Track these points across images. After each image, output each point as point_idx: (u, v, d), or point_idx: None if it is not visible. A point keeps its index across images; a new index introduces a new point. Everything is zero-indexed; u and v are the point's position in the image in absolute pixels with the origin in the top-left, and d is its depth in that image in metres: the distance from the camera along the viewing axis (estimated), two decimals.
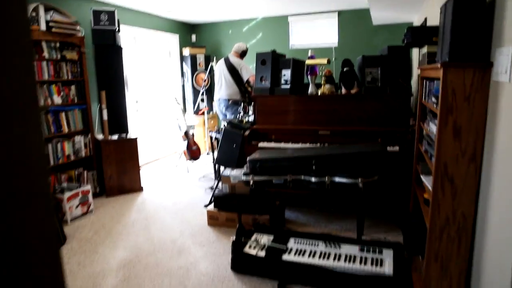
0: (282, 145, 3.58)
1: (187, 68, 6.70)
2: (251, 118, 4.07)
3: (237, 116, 5.00)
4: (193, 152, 5.67)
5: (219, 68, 5.31)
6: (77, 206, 3.76)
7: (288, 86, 3.74)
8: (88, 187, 3.92)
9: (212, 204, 3.64)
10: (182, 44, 6.86)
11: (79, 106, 4.27)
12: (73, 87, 4.19)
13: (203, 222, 3.66)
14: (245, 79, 5.13)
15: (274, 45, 6.63)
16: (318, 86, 3.78)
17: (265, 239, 2.91)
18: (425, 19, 4.26)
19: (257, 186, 3.05)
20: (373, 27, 6.11)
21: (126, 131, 4.58)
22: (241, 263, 2.79)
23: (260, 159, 3.01)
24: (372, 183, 2.53)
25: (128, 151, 4.56)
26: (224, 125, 4.58)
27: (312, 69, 3.77)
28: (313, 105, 3.66)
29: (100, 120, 4.44)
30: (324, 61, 3.57)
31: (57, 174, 4.03)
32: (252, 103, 4.50)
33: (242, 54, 5.32)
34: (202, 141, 6.68)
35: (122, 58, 4.44)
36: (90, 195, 3.93)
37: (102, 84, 4.38)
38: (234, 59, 5.20)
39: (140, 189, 4.73)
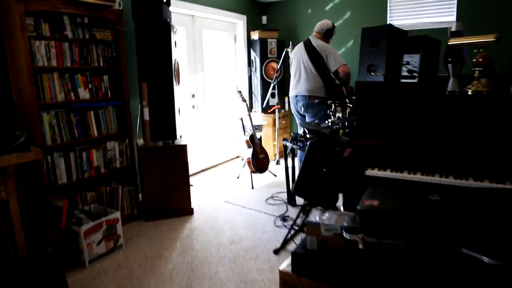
0: (406, 176, 2.18)
1: (256, 56, 5.47)
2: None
3: (323, 121, 3.66)
4: (259, 162, 4.45)
5: (297, 55, 3.98)
6: (99, 242, 2.72)
7: (414, 80, 2.32)
8: (116, 214, 2.86)
9: (288, 263, 2.36)
10: (251, 27, 5.64)
11: (114, 103, 3.23)
12: (105, 78, 3.16)
13: (273, 286, 2.41)
14: (332, 69, 3.75)
15: (367, 26, 5.12)
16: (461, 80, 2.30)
17: None
18: None
19: (370, 250, 1.75)
20: None
21: (174, 136, 3.48)
22: None
23: (383, 211, 1.68)
24: None
25: (175, 162, 3.46)
26: (305, 134, 3.27)
27: (458, 53, 2.29)
28: (458, 112, 2.19)
29: (141, 121, 3.39)
30: (489, 38, 2.08)
31: (80, 193, 3.04)
32: (349, 104, 3.13)
33: (327, 35, 3.94)
34: (271, 145, 5.44)
35: (171, 41, 3.32)
36: (119, 225, 2.88)
37: (145, 74, 3.31)
38: (317, 42, 3.84)
39: (189, 211, 3.61)
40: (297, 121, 4.24)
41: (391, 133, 2.36)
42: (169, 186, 3.48)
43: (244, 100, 4.49)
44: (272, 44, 5.42)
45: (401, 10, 4.99)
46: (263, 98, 5.45)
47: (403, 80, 2.39)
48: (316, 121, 3.47)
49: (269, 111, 5.33)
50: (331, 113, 3.01)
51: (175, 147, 3.45)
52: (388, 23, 5.01)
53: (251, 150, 4.39)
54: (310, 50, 3.79)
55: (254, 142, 4.41)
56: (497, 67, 2.28)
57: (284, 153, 3.62)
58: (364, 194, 1.91)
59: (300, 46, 3.96)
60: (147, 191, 3.43)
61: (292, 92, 4.03)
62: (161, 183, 3.45)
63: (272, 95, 5.28)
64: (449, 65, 2.28)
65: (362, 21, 5.15)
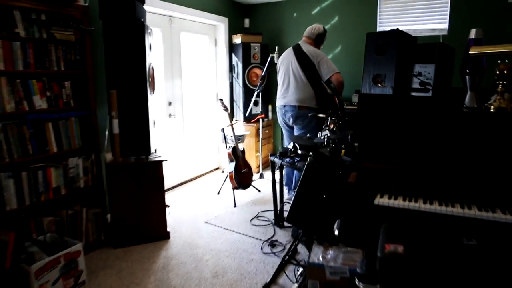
0: (422, 206, 1.87)
1: (238, 61, 5.11)
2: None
3: (313, 134, 3.35)
4: (243, 177, 4.07)
5: (286, 61, 3.66)
6: (56, 281, 2.27)
7: (428, 93, 2.03)
8: (77, 247, 2.42)
9: None
10: (232, 30, 5.28)
11: (77, 113, 2.79)
12: (67, 84, 2.72)
13: None
14: (325, 78, 3.44)
15: (355, 32, 4.88)
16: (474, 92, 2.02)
17: None
18: None
19: None
20: (509, 5, 4.17)
21: (148, 150, 3.06)
22: None
23: (412, 261, 1.36)
24: None
25: (149, 180, 3.05)
26: (295, 149, 2.94)
27: (478, 64, 2.02)
28: (479, 131, 1.91)
29: (110, 134, 2.96)
30: None
31: (35, 219, 2.57)
32: (340, 116, 2.82)
33: (318, 40, 3.64)
34: (253, 156, 5.08)
35: (145, 43, 2.91)
36: (81, 259, 2.43)
37: (114, 80, 2.88)
38: (308, 48, 3.53)
39: (165, 236, 3.20)
40: (284, 133, 3.91)
41: (401, 155, 2.05)
42: (142, 207, 3.06)
43: (226, 109, 4.12)
44: (256, 48, 5.08)
45: (392, 16, 4.77)
46: (245, 107, 5.09)
47: (414, 94, 2.09)
48: (308, 135, 3.14)
49: (252, 121, 4.98)
50: (327, 128, 2.68)
51: (149, 163, 3.04)
52: (376, 30, 4.77)
53: (233, 164, 4.02)
54: (301, 56, 3.47)
55: (237, 155, 4.04)
56: None
57: (272, 170, 3.27)
58: (381, 233, 1.58)
59: (289, 52, 3.63)
60: (117, 213, 2.99)
61: (279, 102, 3.70)
62: (132, 204, 3.02)
63: (255, 103, 4.93)
64: (467, 77, 2.00)
65: (351, 26, 4.89)
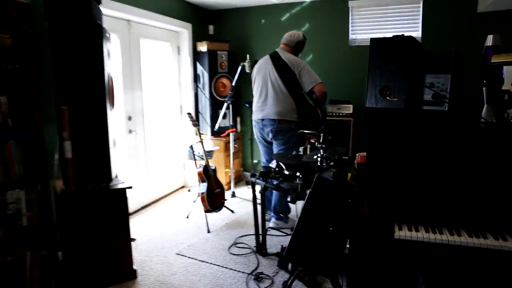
0: (449, 238, 1.60)
1: (203, 70, 4.72)
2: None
3: (294, 149, 3.05)
4: (216, 199, 3.67)
5: (263, 70, 3.35)
6: None
7: (443, 107, 1.79)
8: None
9: None
10: (197, 37, 4.89)
11: (17, 134, 2.27)
12: (3, 100, 2.19)
13: None
14: (307, 88, 3.16)
15: (326, 40, 4.69)
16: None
17: None
18: None
19: None
20: (477, 15, 4.18)
21: (108, 177, 2.58)
22: None
23: None
24: None
25: (111, 211, 2.56)
26: (280, 169, 2.62)
27: (496, 74, 1.81)
28: (503, 148, 1.69)
29: (61, 158, 2.45)
30: None
31: None
32: (324, 130, 2.53)
33: (297, 48, 3.37)
34: (223, 173, 4.69)
35: (103, 49, 2.45)
36: None
37: (65, 94, 2.39)
38: (287, 56, 3.24)
39: (131, 275, 2.71)
40: (261, 148, 3.57)
41: (417, 178, 1.77)
42: (102, 244, 2.56)
43: (196, 124, 3.71)
44: (223, 57, 4.72)
45: (364, 22, 4.63)
46: (213, 119, 4.70)
47: (426, 107, 1.84)
48: (294, 152, 2.82)
49: (222, 135, 4.59)
50: (320, 146, 2.37)
51: (110, 191, 2.55)
52: (348, 38, 4.61)
53: (205, 184, 3.60)
54: (279, 65, 3.17)
55: (208, 175, 3.63)
56: None
57: (253, 193, 2.91)
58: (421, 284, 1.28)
59: (266, 60, 3.32)
60: (71, 254, 2.47)
61: (257, 115, 3.37)
62: (90, 241, 2.51)
63: (224, 116, 4.55)
64: (484, 88, 1.78)
65: (322, 33, 4.69)
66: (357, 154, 2.44)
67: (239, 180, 5.17)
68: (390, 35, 4.09)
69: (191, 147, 3.83)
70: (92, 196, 2.49)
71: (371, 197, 1.70)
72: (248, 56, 4.25)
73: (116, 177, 2.77)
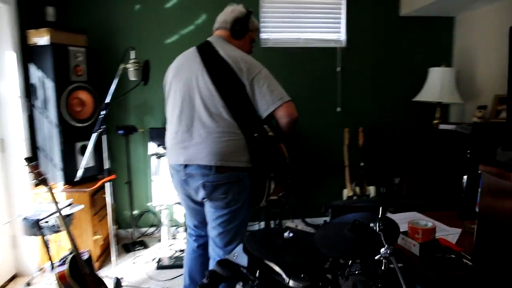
0: None
1: (44, 78, 2.82)
2: None
3: (246, 213, 1.72)
4: None
5: (183, 74, 1.87)
6: None
7: None
8: None
9: None
10: (26, 23, 2.93)
11: None
12: None
13: None
14: (265, 112, 1.80)
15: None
16: None
17: None
18: None
19: None
20: (400, 19, 3.71)
21: None
22: None
23: None
24: None
25: None
26: (253, 269, 1.25)
27: None
28: None
29: None
30: None
31: None
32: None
33: (237, 31, 1.97)
34: (90, 241, 2.91)
35: None
36: None
37: None
38: (229, 51, 1.83)
39: None
40: (187, 212, 2.06)
41: None
42: None
43: (44, 180, 1.92)
44: (79, 56, 2.93)
45: (277, 21, 3.62)
46: (66, 159, 2.86)
47: None
48: (260, 229, 1.47)
49: (94, 186, 2.80)
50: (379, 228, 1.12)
51: None
52: (259, 37, 3.51)
53: None
54: (216, 67, 1.76)
55: (81, 275, 1.90)
56: None
57: None
58: None
59: (190, 57, 1.86)
60: None
61: (175, 157, 1.84)
62: None
63: (82, 152, 2.77)
64: None
65: None
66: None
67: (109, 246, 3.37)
68: (311, 36, 3.09)
69: (27, 218, 2.00)
70: None
71: None
72: (133, 53, 2.64)
73: None
